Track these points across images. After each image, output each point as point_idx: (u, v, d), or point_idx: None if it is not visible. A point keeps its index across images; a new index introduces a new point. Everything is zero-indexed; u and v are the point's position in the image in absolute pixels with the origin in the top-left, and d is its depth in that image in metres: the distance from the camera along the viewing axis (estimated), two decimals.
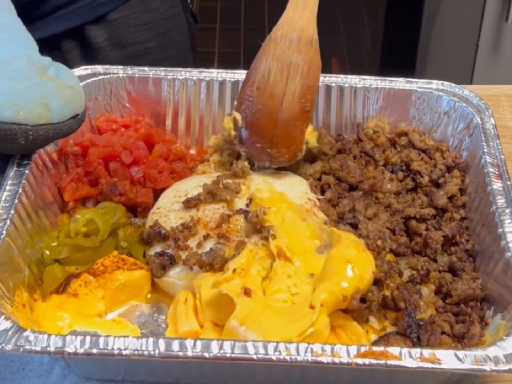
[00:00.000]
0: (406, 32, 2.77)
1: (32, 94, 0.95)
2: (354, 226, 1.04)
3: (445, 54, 2.67)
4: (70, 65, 1.36)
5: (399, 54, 2.79)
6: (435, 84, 1.18)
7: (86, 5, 1.39)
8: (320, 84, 1.18)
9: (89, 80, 1.17)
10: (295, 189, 1.07)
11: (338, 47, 3.29)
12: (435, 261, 1.01)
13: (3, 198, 0.97)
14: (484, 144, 1.06)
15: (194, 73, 1.19)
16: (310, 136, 1.09)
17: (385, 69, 2.78)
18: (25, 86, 0.95)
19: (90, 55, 1.43)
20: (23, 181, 1.00)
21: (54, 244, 1.00)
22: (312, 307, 0.91)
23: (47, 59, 1.00)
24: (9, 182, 0.99)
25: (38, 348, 0.82)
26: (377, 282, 0.97)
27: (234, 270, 0.95)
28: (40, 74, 0.98)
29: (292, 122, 1.07)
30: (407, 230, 1.06)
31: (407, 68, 2.67)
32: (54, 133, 0.96)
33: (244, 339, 0.85)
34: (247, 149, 1.10)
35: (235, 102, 1.11)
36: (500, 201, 0.98)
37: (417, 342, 0.91)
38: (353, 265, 0.94)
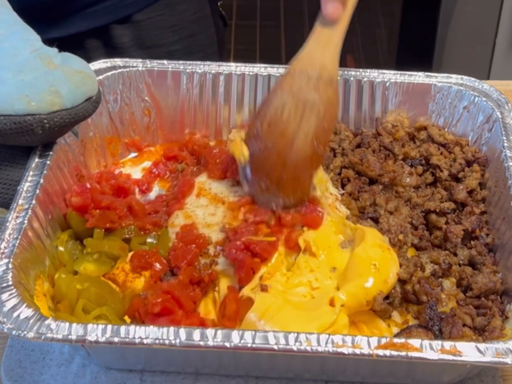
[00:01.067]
0: (422, 29, 2.76)
1: (40, 83, 0.95)
2: (375, 220, 1.05)
3: (462, 50, 2.66)
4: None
5: (415, 50, 2.79)
6: (454, 78, 1.17)
7: (113, 5, 1.39)
8: (339, 78, 1.18)
9: (109, 73, 1.17)
10: (317, 184, 1.07)
11: (354, 44, 3.29)
12: (455, 254, 1.01)
13: (25, 188, 0.97)
14: (504, 138, 1.06)
15: (212, 67, 1.20)
16: (320, 183, 1.03)
17: (401, 66, 2.79)
18: (33, 77, 0.95)
19: (113, 55, 1.40)
20: (45, 172, 1.00)
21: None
22: (332, 305, 0.91)
23: (53, 50, 1.00)
24: (31, 173, 0.99)
25: (59, 336, 0.82)
26: (401, 281, 0.97)
27: (260, 278, 0.96)
28: (47, 64, 0.97)
29: (301, 164, 0.99)
30: (427, 224, 1.06)
31: (424, 65, 2.67)
32: (70, 118, 0.96)
33: None
34: (251, 187, 1.03)
35: (244, 132, 1.03)
36: None
37: (439, 335, 0.91)
38: (378, 267, 0.95)
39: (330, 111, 1.00)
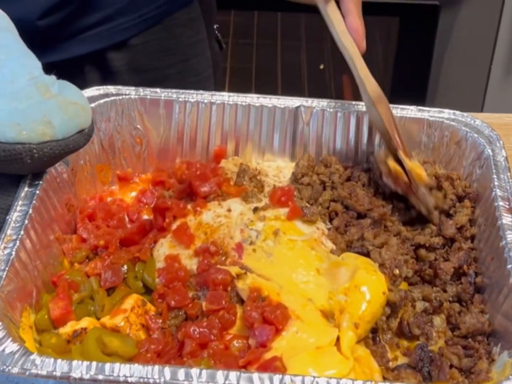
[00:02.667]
0: (418, 55, 2.77)
1: (33, 113, 0.94)
2: (364, 255, 1.04)
3: (456, 81, 2.67)
4: (89, 87, 1.39)
5: (410, 80, 2.79)
6: (446, 113, 1.18)
7: (108, 30, 1.39)
8: (330, 110, 1.18)
9: (101, 101, 1.17)
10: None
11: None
12: (445, 291, 1.01)
13: (14, 218, 0.96)
14: (495, 176, 1.06)
15: (205, 96, 1.20)
16: None
17: (396, 95, 2.80)
18: (26, 106, 0.95)
19: (109, 78, 1.42)
20: (34, 202, 0.99)
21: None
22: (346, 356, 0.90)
23: (51, 78, 0.99)
24: (20, 202, 0.99)
25: (44, 372, 0.81)
26: (392, 307, 0.97)
27: None
28: (43, 93, 0.97)
29: None
30: (416, 258, 1.06)
31: (418, 94, 2.68)
32: (60, 150, 0.95)
33: None
34: None
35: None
36: (510, 236, 0.97)
37: (428, 377, 0.90)
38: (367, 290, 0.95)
39: None
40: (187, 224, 1.06)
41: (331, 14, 1.15)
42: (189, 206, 1.09)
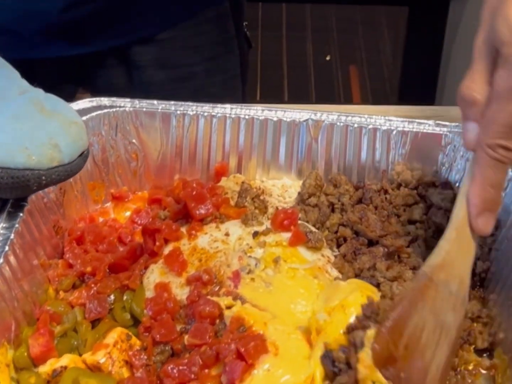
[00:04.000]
0: (427, 50, 2.70)
1: (39, 135, 0.88)
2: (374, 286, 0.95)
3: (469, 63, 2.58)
4: (113, 82, 1.33)
5: (419, 72, 2.72)
6: None
7: (136, 25, 1.33)
8: (340, 124, 1.09)
9: (94, 114, 1.09)
10: None
11: (357, 56, 3.22)
12: None
13: None
14: None
15: (205, 108, 1.11)
16: None
17: (405, 88, 2.72)
18: (30, 127, 0.89)
19: (134, 74, 1.38)
20: (16, 225, 0.92)
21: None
22: None
23: (39, 90, 0.94)
24: (1, 225, 0.92)
25: None
26: None
27: None
28: (40, 111, 0.91)
29: None
30: None
31: (428, 87, 2.60)
32: (65, 175, 0.90)
33: None
34: None
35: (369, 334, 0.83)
36: None
37: None
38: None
39: (457, 338, 0.85)
40: (179, 249, 0.97)
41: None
42: (184, 229, 1.00)
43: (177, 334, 0.90)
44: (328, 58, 3.20)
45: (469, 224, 0.85)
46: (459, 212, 0.86)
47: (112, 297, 0.95)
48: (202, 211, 1.00)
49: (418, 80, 2.67)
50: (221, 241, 0.99)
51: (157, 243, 0.98)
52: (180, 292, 0.94)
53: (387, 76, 3.08)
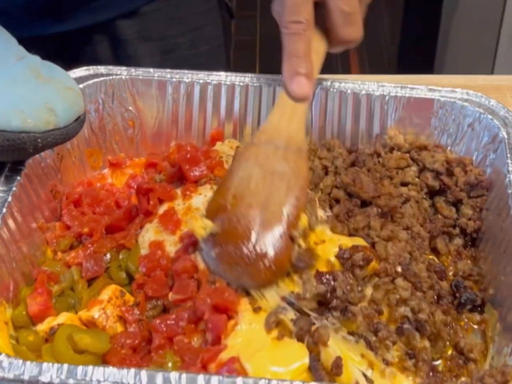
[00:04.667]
0: (425, 23, 2.70)
1: (35, 98, 0.90)
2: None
3: (465, 44, 2.59)
4: (98, 58, 1.34)
5: (419, 46, 2.72)
6: (459, 93, 1.09)
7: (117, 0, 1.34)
8: (334, 90, 1.10)
9: (90, 81, 1.10)
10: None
11: None
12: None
13: None
14: (510, 161, 0.97)
15: (201, 76, 1.12)
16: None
17: (404, 59, 2.72)
18: (25, 91, 0.90)
19: (119, 48, 1.39)
20: (14, 188, 0.94)
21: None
22: None
23: (36, 57, 0.95)
24: None
25: (11, 376, 0.76)
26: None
27: None
28: (36, 76, 0.93)
29: (272, 236, 0.90)
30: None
31: (426, 58, 2.60)
32: (61, 139, 0.91)
33: None
34: (215, 264, 0.90)
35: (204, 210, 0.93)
36: None
37: None
38: None
39: (301, 183, 0.93)
40: (174, 209, 0.99)
41: None
42: (178, 191, 1.02)
43: (169, 289, 0.92)
44: None
45: (287, 92, 0.97)
46: (282, 91, 0.98)
47: (108, 256, 0.97)
48: (197, 173, 1.02)
49: (416, 51, 2.67)
50: None
51: (151, 202, 0.99)
52: (174, 249, 0.95)
53: (385, 51, 3.09)
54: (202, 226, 0.90)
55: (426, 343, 0.88)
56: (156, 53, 1.37)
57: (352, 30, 1.00)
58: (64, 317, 0.90)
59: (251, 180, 0.92)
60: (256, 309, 0.87)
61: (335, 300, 0.87)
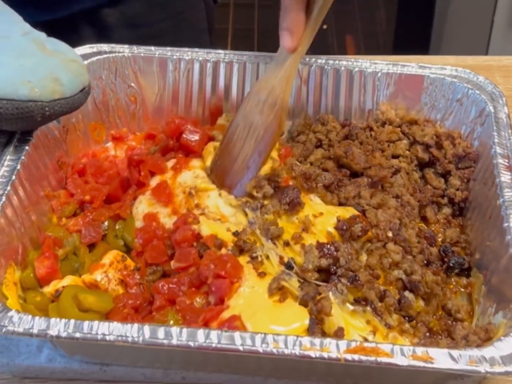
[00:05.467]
0: (420, 6, 2.73)
1: (41, 70, 0.94)
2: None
3: (460, 27, 2.62)
4: (85, 44, 1.36)
5: (414, 30, 2.77)
6: (448, 70, 1.13)
7: None
8: (328, 67, 1.15)
9: (94, 58, 1.14)
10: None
11: (353, 26, 3.25)
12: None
13: (1, 173, 0.95)
14: (495, 134, 1.02)
15: (200, 54, 1.17)
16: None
17: (400, 39, 2.75)
18: (32, 63, 0.94)
19: (104, 35, 1.41)
20: (22, 157, 0.98)
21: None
22: None
23: (42, 34, 0.99)
24: (8, 157, 0.98)
25: (20, 330, 0.80)
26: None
27: None
28: (41, 49, 0.97)
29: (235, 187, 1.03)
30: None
31: (422, 39, 2.64)
32: (67, 108, 0.96)
33: None
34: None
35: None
36: (508, 194, 0.94)
37: None
38: None
39: (268, 135, 1.02)
40: (166, 182, 1.03)
41: None
42: (170, 164, 1.06)
43: (167, 257, 0.96)
44: (325, 27, 3.24)
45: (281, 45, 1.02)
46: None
47: (106, 224, 1.01)
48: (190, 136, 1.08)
49: (411, 35, 2.71)
50: (201, 177, 1.05)
51: (142, 173, 1.04)
52: (168, 221, 1.00)
53: (380, 35, 3.12)
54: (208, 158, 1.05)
55: (421, 303, 0.93)
56: (140, 39, 1.39)
57: None
58: (69, 280, 0.95)
59: (236, 130, 1.03)
60: (261, 274, 0.92)
61: (339, 269, 0.91)
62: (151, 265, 0.97)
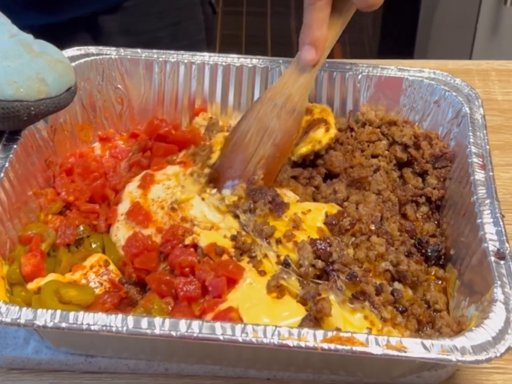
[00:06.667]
0: (405, 14, 2.77)
1: (27, 70, 0.97)
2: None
3: (444, 34, 2.67)
4: None
5: (399, 35, 2.81)
6: (426, 72, 1.17)
7: None
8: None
9: (82, 61, 1.17)
10: None
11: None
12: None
13: None
14: (471, 134, 1.05)
15: (186, 56, 1.20)
16: None
17: (385, 52, 2.80)
18: (18, 64, 0.97)
19: (101, 42, 1.40)
20: (11, 156, 1.01)
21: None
22: None
23: (29, 36, 1.02)
24: None
25: (8, 320, 0.83)
26: None
27: None
28: (28, 51, 1.00)
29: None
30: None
31: (407, 50, 2.68)
32: (53, 107, 0.98)
33: None
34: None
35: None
36: (481, 191, 0.97)
37: None
38: None
39: (286, 140, 1.05)
40: (138, 203, 1.03)
41: None
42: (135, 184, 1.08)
43: (157, 263, 0.98)
44: None
45: (299, 57, 1.05)
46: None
47: (81, 228, 1.03)
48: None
49: (397, 41, 2.75)
50: (173, 186, 1.06)
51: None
52: (155, 239, 0.99)
53: (366, 40, 3.15)
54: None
55: (410, 292, 0.96)
56: (137, 47, 1.43)
57: None
58: (51, 278, 0.97)
59: (248, 133, 1.05)
60: (261, 273, 0.94)
61: (335, 265, 0.93)
62: (139, 270, 0.97)
